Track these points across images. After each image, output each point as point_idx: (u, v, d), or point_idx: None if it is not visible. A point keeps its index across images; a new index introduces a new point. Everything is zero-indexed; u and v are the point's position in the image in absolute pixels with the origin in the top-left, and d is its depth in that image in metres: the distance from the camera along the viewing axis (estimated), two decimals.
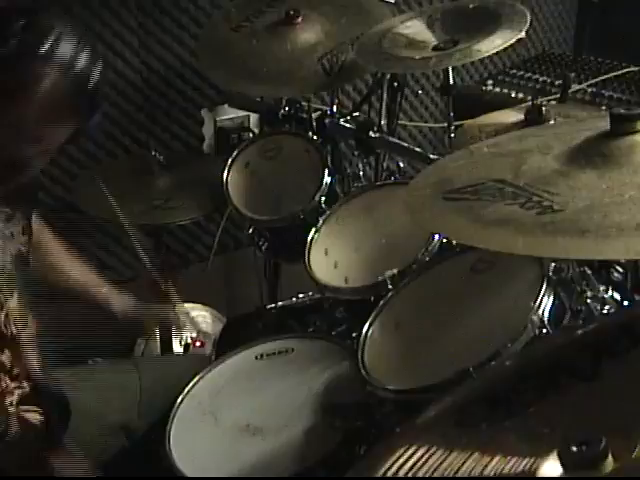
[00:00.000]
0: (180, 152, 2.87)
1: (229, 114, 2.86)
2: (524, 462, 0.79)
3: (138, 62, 2.73)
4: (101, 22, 2.64)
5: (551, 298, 1.46)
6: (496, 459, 0.82)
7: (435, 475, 0.85)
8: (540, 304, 1.44)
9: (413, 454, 0.90)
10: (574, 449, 0.72)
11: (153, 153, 2.46)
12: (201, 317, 2.93)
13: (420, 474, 0.87)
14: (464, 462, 0.84)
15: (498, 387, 0.98)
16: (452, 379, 1.35)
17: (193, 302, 2.93)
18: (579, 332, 1.28)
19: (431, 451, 0.89)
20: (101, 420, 1.77)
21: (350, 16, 2.35)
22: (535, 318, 1.43)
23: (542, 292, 1.45)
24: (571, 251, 0.99)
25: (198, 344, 2.77)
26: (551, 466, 0.75)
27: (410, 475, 0.87)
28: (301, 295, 2.25)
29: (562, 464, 0.72)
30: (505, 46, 1.83)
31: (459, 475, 0.83)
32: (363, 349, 1.59)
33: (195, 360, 2.18)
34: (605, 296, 1.58)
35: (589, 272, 1.60)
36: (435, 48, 1.99)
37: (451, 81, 2.02)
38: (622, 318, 1.17)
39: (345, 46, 2.22)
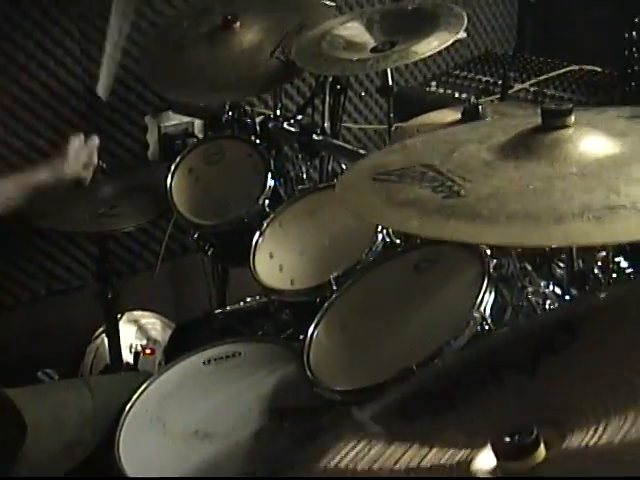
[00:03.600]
0: (124, 159, 2.85)
1: (173, 120, 2.85)
2: (460, 453, 0.80)
3: (80, 70, 2.71)
4: (42, 30, 2.62)
5: (492, 294, 1.48)
6: (434, 450, 0.83)
7: (375, 467, 0.86)
8: (482, 301, 1.46)
9: (354, 447, 0.91)
10: (506, 439, 0.73)
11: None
12: (150, 324, 2.92)
13: (360, 466, 0.87)
14: (404, 453, 0.85)
15: (440, 381, 0.99)
16: (396, 378, 1.36)
17: (142, 309, 2.93)
18: (519, 328, 1.31)
19: (371, 444, 0.90)
20: (56, 437, 1.76)
21: (282, 9, 2.37)
22: (477, 315, 1.44)
23: (483, 289, 1.47)
24: (460, 235, 1.02)
25: (148, 352, 2.76)
26: (486, 456, 0.76)
27: (350, 467, 0.88)
28: (248, 299, 2.24)
29: (495, 454, 0.74)
30: (442, 48, 1.85)
31: (397, 466, 0.84)
32: (309, 351, 1.60)
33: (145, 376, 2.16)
34: (546, 291, 1.61)
35: (530, 268, 1.62)
36: (373, 50, 2.00)
37: (390, 82, 2.04)
38: (561, 314, 1.19)
39: (290, 35, 2.23)
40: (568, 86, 3.02)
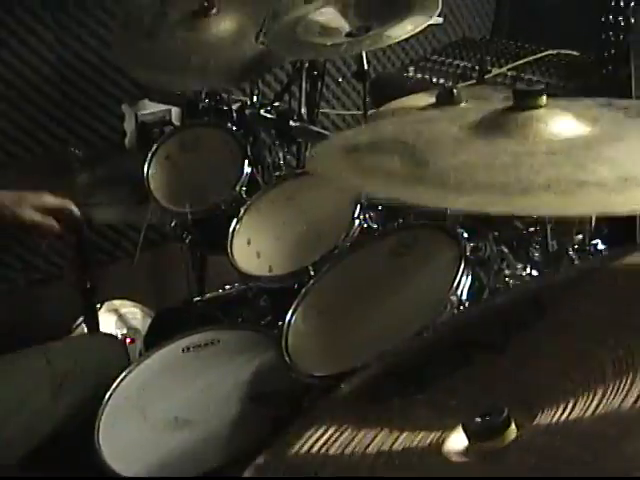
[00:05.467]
0: (101, 148, 2.84)
1: (150, 108, 2.83)
2: (431, 435, 0.80)
3: (54, 58, 2.69)
4: (15, 19, 2.60)
5: (469, 278, 1.48)
6: (405, 434, 0.83)
7: (346, 451, 0.86)
8: (458, 284, 1.46)
9: (324, 433, 0.91)
10: (477, 420, 0.73)
11: (72, 149, 2.43)
12: (131, 314, 2.91)
13: (331, 452, 0.87)
14: (374, 438, 0.85)
15: (409, 362, 0.99)
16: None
17: (122, 299, 2.92)
18: (489, 305, 1.31)
19: (342, 429, 0.90)
20: (19, 409, 1.75)
21: None
22: (454, 298, 1.45)
23: (460, 272, 1.47)
24: (426, 199, 1.02)
25: (128, 341, 2.75)
26: (457, 438, 0.76)
27: (321, 452, 0.88)
28: (227, 286, 2.24)
29: (467, 435, 0.74)
30: (416, 32, 1.84)
31: (369, 450, 0.84)
32: (287, 337, 1.60)
33: (105, 339, 2.15)
34: (523, 274, 1.61)
35: (506, 251, 1.63)
36: (348, 34, 2.00)
37: (366, 67, 2.03)
38: (530, 289, 1.19)
39: (270, 19, 2.21)
40: (546, 70, 3.02)
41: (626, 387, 0.70)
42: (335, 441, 0.89)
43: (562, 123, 1.10)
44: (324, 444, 0.89)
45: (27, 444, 1.73)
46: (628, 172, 0.94)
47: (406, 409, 0.89)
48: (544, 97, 1.12)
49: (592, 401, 0.71)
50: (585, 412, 0.71)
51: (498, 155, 1.03)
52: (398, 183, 1.00)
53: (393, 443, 0.83)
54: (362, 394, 0.97)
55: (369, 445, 0.84)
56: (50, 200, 1.98)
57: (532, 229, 1.64)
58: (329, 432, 0.91)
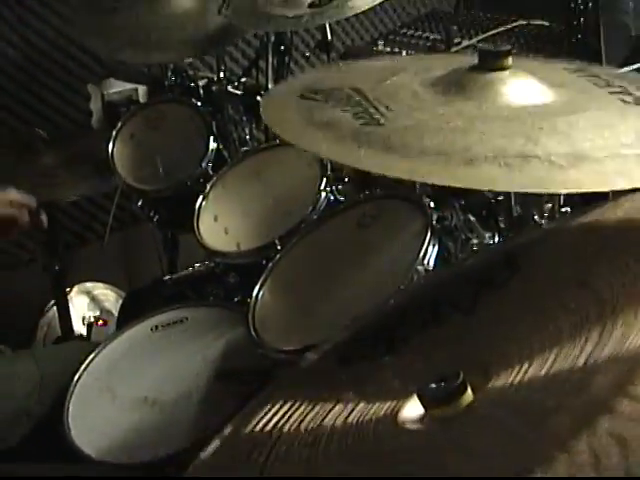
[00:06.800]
0: (68, 129, 2.80)
1: (116, 87, 2.79)
2: (390, 402, 0.79)
3: (17, 38, 2.65)
4: None
5: (436, 247, 1.47)
6: (366, 399, 0.81)
7: (307, 418, 0.84)
8: (425, 254, 1.45)
9: (280, 408, 0.89)
10: (432, 386, 0.72)
11: (36, 130, 2.39)
12: (103, 296, 2.89)
13: (294, 417, 0.85)
14: (338, 402, 0.83)
15: (380, 323, 0.96)
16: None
17: (94, 281, 2.90)
18: (460, 264, 1.29)
19: (308, 391, 0.88)
20: (2, 408, 1.74)
21: None
22: (421, 268, 1.44)
23: (427, 242, 1.46)
24: (368, 164, 0.98)
25: (101, 322, 2.73)
26: (412, 405, 0.75)
27: (283, 421, 0.86)
28: (197, 265, 2.22)
29: (421, 402, 0.72)
30: (378, 2, 1.82)
31: (330, 416, 0.82)
32: (254, 312, 1.58)
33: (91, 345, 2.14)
34: (491, 243, 1.60)
35: (473, 220, 1.62)
36: (311, 5, 1.97)
37: (329, 38, 2.01)
38: (501, 249, 1.18)
39: None
40: (516, 41, 3.00)
41: (574, 354, 0.69)
42: (290, 417, 0.87)
43: (524, 88, 1.07)
44: (279, 421, 0.88)
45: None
46: (579, 149, 0.92)
47: (373, 371, 0.87)
48: (509, 58, 1.10)
49: (542, 368, 0.70)
50: (533, 379, 0.69)
51: (452, 118, 1.00)
52: (342, 143, 0.98)
53: (347, 417, 0.81)
54: (333, 356, 0.94)
55: (323, 420, 0.83)
56: (15, 197, 1.96)
57: (500, 197, 1.62)
58: (285, 407, 0.89)
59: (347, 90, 1.10)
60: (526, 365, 0.71)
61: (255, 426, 0.89)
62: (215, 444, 0.94)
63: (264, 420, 0.89)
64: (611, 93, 1.09)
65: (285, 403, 0.90)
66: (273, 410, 0.90)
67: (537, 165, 0.89)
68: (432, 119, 1.01)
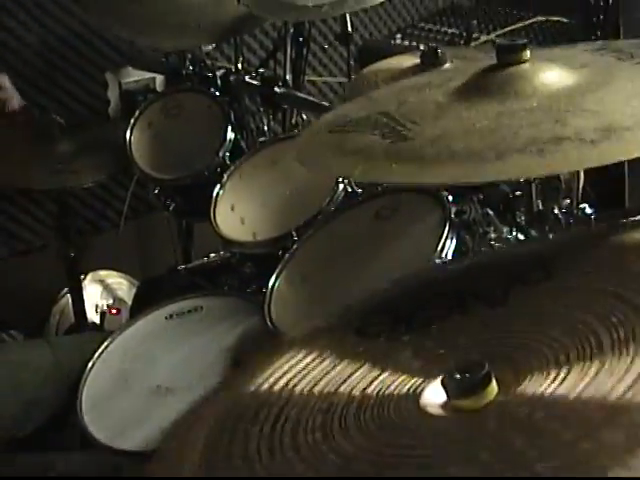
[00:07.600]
0: (84, 116, 2.80)
1: (134, 76, 2.79)
2: (411, 382, 0.77)
3: (35, 25, 2.65)
4: None
5: (454, 241, 1.47)
6: (385, 374, 0.80)
7: (320, 382, 0.82)
8: (443, 247, 1.45)
9: (303, 358, 0.87)
10: (457, 376, 0.71)
11: (53, 116, 2.39)
12: (117, 284, 2.89)
13: (307, 379, 0.83)
14: (354, 372, 0.81)
15: (404, 301, 0.95)
16: None
17: (108, 269, 2.90)
18: (493, 256, 1.28)
19: (323, 356, 0.86)
20: (14, 397, 1.74)
21: None
22: (439, 261, 1.43)
23: (445, 235, 1.46)
24: (401, 177, 1.02)
25: (114, 312, 2.73)
26: (434, 390, 0.74)
27: (295, 381, 0.84)
28: (212, 254, 2.22)
29: (445, 390, 0.71)
30: None
31: (345, 385, 0.80)
32: (270, 302, 1.58)
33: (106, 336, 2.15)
34: (509, 237, 1.59)
35: (492, 214, 1.61)
36: None
37: (350, 30, 2.00)
38: (537, 247, 1.16)
39: None
40: (534, 37, 2.99)
41: (620, 372, 0.67)
42: (314, 369, 0.84)
43: (546, 76, 1.07)
44: (303, 369, 0.85)
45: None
46: (609, 121, 0.92)
47: (391, 348, 0.85)
48: (527, 51, 1.10)
49: (583, 379, 0.68)
50: (573, 390, 0.68)
51: (478, 119, 1.00)
52: (374, 164, 0.99)
53: (371, 382, 0.80)
54: (351, 324, 0.92)
55: (347, 379, 0.81)
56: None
57: (519, 193, 1.62)
58: (308, 358, 0.86)
59: (375, 116, 1.11)
60: (564, 371, 0.70)
61: (262, 383, 0.86)
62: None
63: (273, 378, 0.86)
64: (638, 64, 1.09)
65: (297, 363, 0.87)
66: (283, 368, 0.87)
67: (569, 145, 0.89)
68: (458, 124, 1.03)
